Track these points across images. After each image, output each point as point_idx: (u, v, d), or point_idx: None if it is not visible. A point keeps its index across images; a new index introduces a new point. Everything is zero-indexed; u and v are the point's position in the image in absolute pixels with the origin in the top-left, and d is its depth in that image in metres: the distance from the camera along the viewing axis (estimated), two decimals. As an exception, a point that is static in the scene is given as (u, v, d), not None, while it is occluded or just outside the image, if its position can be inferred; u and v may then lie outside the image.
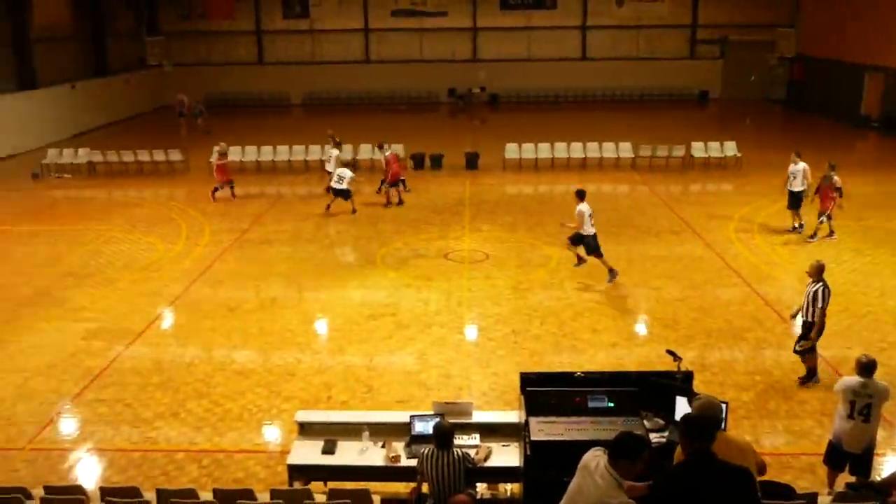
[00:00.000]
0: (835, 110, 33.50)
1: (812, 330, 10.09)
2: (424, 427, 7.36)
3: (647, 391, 7.02)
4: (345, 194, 18.66)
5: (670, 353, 8.02)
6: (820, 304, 9.93)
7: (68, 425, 9.61)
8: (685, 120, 34.38)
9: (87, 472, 8.63)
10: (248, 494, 6.40)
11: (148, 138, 28.59)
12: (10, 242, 17.13)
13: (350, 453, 7.34)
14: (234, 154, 24.52)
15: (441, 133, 31.19)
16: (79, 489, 6.84)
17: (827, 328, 11.53)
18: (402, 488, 7.69)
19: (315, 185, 22.73)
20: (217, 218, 18.80)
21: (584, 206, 13.63)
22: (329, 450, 7.38)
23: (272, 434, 9.34)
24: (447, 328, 12.24)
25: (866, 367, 7.44)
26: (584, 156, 24.47)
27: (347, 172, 18.70)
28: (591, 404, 6.81)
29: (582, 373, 7.33)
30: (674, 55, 39.81)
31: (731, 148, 24.17)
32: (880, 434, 7.91)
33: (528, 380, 7.22)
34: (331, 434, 7.60)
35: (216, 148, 21.32)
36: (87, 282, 14.48)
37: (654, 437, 6.67)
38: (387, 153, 19.76)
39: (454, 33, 39.57)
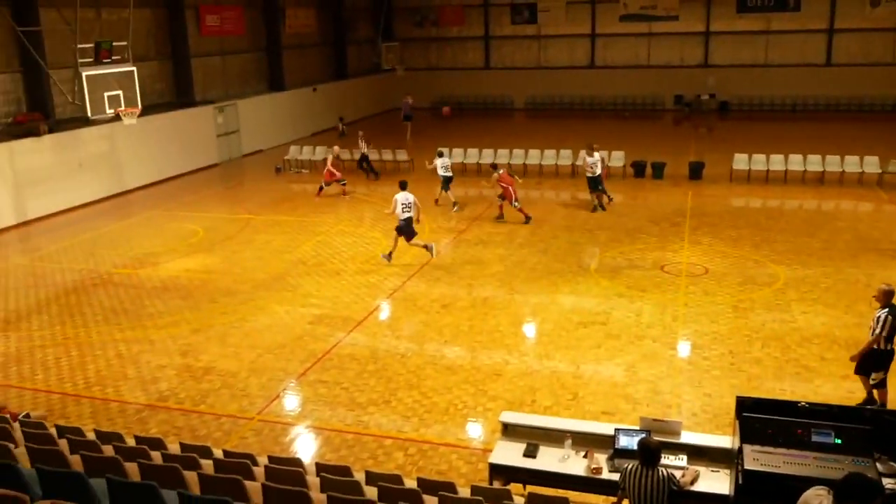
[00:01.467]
0: None
1: (882, 358, 9.13)
2: (629, 442, 7.17)
3: (882, 431, 6.36)
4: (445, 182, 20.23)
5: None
6: (878, 331, 8.94)
7: (292, 402, 10.42)
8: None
9: (305, 446, 9.30)
10: (450, 488, 6.56)
11: (379, 138, 30.29)
12: (252, 230, 18.87)
13: (551, 459, 7.31)
14: (457, 157, 25.34)
15: (664, 141, 30.22)
16: (298, 462, 7.38)
17: None
18: (601, 501, 7.56)
19: (532, 188, 22.93)
20: (438, 217, 19.53)
21: (399, 196, 15.56)
22: (531, 453, 7.40)
23: (475, 431, 9.54)
24: (659, 342, 11.83)
25: None
26: (822, 169, 22.60)
27: (444, 160, 20.39)
28: (814, 438, 6.29)
29: (806, 403, 6.78)
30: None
31: None
32: None
33: (744, 405, 6.80)
34: (533, 438, 7.61)
35: (335, 149, 23.17)
36: (315, 270, 15.61)
37: (888, 484, 6.03)
38: (500, 171, 19.43)
39: (684, 38, 38.16)
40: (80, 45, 18.01)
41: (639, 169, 23.70)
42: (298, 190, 23.75)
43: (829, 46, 36.73)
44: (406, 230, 15.59)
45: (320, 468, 6.80)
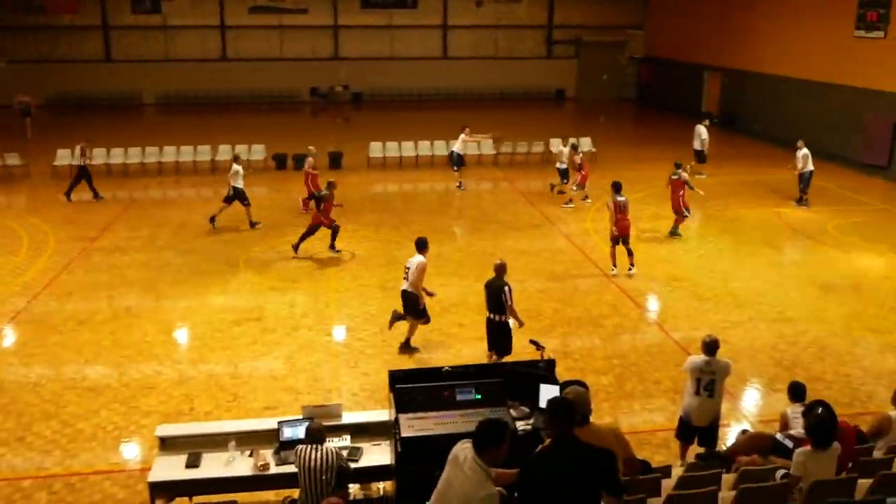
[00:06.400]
0: (681, 108, 35.54)
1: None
2: (293, 432, 7.22)
3: (512, 381, 7.17)
4: None
5: (533, 343, 8.24)
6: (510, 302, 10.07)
7: None
8: (544, 118, 35.41)
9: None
10: (105, 517, 6.04)
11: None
12: None
13: (216, 465, 7.08)
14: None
15: (303, 132, 30.59)
16: None
17: (676, 311, 12.29)
18: (272, 496, 7.51)
19: (170, 187, 21.86)
20: (63, 226, 17.64)
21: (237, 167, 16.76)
22: (193, 463, 7.09)
23: (131, 452, 8.87)
24: (315, 330, 12.05)
25: (710, 347, 7.94)
26: (448, 153, 24.71)
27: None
28: (458, 397, 6.88)
29: (449, 367, 7.39)
30: (531, 55, 40.95)
31: (587, 144, 25.12)
32: (724, 407, 8.45)
33: (396, 377, 7.21)
34: (195, 447, 7.30)
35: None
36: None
37: (521, 425, 6.82)
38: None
39: (315, 31, 38.97)
40: None
41: (280, 161, 23.78)
42: None
43: (444, 41, 40.17)
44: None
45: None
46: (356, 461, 7.07)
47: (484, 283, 10.30)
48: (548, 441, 4.95)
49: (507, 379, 7.16)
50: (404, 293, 11.00)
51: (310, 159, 18.46)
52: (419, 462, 6.33)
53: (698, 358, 8.02)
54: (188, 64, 38.28)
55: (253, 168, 23.27)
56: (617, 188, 14.59)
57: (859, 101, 23.79)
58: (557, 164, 20.26)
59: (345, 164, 23.83)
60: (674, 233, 16.88)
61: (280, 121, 34.20)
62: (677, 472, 6.92)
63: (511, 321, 10.17)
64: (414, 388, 6.92)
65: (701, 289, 13.83)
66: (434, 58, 40.10)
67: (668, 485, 6.36)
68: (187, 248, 16.16)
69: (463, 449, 5.00)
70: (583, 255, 15.68)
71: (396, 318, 11.30)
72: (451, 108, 37.85)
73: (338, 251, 15.62)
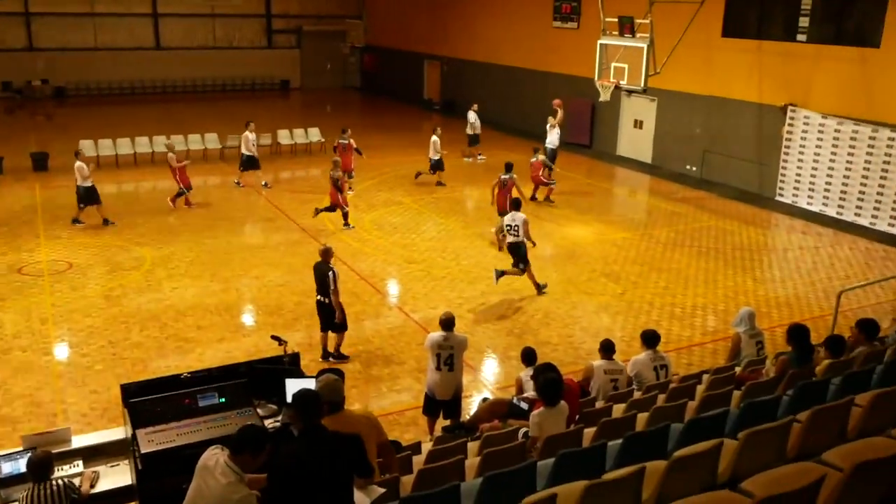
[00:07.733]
0: (404, 95, 36.81)
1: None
2: (14, 467, 6.45)
3: (256, 379, 7.01)
4: None
5: (275, 338, 8.13)
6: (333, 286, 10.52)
7: None
8: (269, 109, 34.75)
9: None
10: None
11: None
12: None
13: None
14: None
15: (-2, 132, 27.39)
16: None
17: (415, 292, 12.77)
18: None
19: None
20: None
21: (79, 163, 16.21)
22: None
23: None
24: (30, 351, 10.86)
25: (446, 323, 8.37)
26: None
27: None
28: (201, 403, 6.59)
29: (188, 373, 7.05)
30: (252, 45, 39.98)
31: (315, 134, 25.15)
32: (465, 379, 8.96)
33: (129, 391, 6.73)
34: None
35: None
36: None
37: (269, 423, 6.70)
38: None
39: (2, 19, 34.76)
40: None
41: (-29, 165, 21.04)
42: None
43: (156, 30, 37.82)
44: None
45: None
46: (93, 487, 6.51)
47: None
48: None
49: (252, 378, 6.98)
50: (514, 245, 13.07)
51: (171, 154, 18.15)
52: (164, 477, 6.00)
53: (437, 335, 8.40)
54: None
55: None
56: (507, 168, 16.50)
57: (566, 87, 26.15)
58: (431, 156, 20.81)
59: (52, 165, 21.57)
60: (547, 198, 19.33)
61: (-34, 120, 30.18)
62: (427, 447, 7.19)
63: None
64: (151, 400, 6.53)
65: (435, 269, 14.47)
66: (145, 48, 37.65)
67: (418, 461, 6.59)
68: None
69: (213, 455, 4.82)
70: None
71: (500, 274, 13.02)
72: (169, 101, 35.93)
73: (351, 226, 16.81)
